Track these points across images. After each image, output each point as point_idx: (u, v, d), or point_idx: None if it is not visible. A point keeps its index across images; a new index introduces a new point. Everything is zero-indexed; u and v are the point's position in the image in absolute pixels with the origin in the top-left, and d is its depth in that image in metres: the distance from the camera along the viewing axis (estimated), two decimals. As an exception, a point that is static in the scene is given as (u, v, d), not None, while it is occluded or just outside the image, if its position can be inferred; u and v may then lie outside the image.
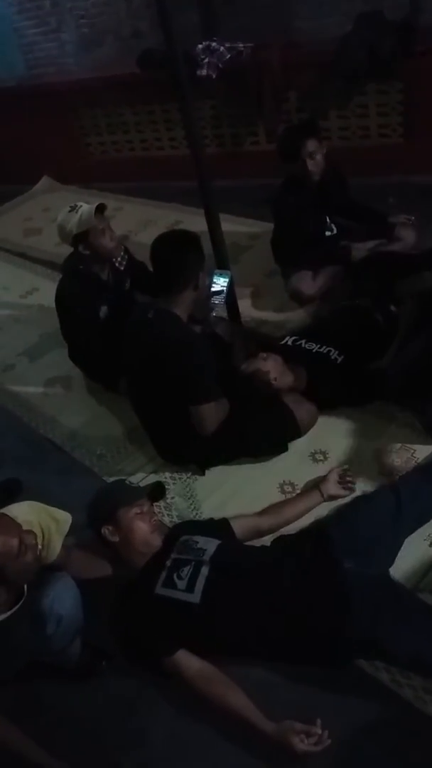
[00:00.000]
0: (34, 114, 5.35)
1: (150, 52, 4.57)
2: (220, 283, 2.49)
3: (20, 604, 1.65)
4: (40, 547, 1.66)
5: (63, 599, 1.70)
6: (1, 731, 1.62)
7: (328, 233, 3.25)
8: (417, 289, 2.64)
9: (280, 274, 3.34)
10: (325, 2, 4.08)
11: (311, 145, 2.99)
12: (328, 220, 3.24)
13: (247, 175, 4.29)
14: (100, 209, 2.66)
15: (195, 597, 1.74)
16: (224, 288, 2.51)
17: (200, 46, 4.32)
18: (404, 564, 1.90)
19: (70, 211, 2.65)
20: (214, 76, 4.29)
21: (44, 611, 1.66)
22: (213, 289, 2.48)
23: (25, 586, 1.68)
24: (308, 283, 3.16)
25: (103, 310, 2.78)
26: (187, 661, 1.71)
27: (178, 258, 2.21)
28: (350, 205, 3.28)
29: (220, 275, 2.50)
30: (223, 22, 4.55)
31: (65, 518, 1.76)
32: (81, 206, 2.65)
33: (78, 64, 5.38)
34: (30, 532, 1.63)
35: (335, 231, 3.26)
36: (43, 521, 1.69)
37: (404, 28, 3.69)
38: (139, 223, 4.44)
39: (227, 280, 2.51)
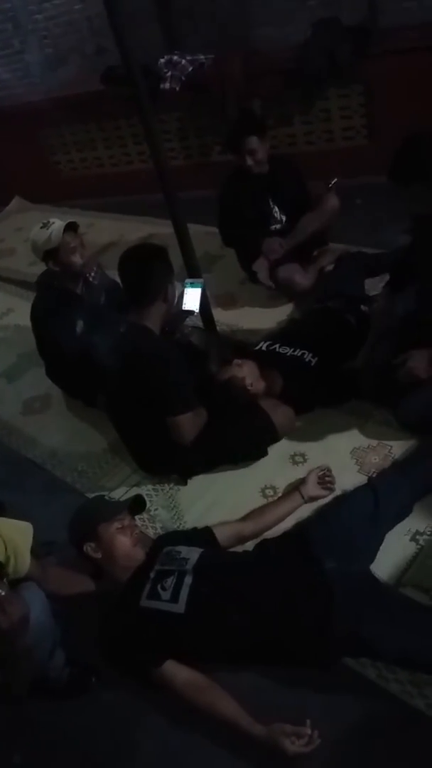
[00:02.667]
0: (2, 136, 5.37)
1: (113, 69, 4.59)
2: (192, 293, 2.50)
3: None
4: (3, 559, 1.65)
5: (29, 607, 1.69)
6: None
7: (275, 225, 3.27)
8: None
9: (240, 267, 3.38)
10: (283, 10, 4.13)
11: (251, 142, 3.03)
12: (276, 211, 3.26)
13: (216, 185, 4.31)
14: (72, 227, 2.68)
15: (180, 607, 1.74)
16: (197, 297, 2.52)
17: (162, 60, 4.37)
18: (386, 560, 1.91)
19: (42, 228, 2.68)
20: (177, 89, 4.33)
21: None
22: (185, 299, 2.49)
23: None
24: (301, 273, 3.17)
25: (79, 324, 2.79)
26: (176, 671, 1.71)
27: (146, 271, 2.23)
28: (299, 201, 3.27)
29: (192, 284, 2.51)
30: (184, 35, 4.60)
31: (27, 528, 1.75)
32: (53, 223, 2.67)
33: (43, 84, 5.39)
34: None
35: (286, 224, 3.27)
36: (5, 532, 1.69)
37: (361, 31, 3.75)
38: (111, 237, 4.46)
39: (200, 289, 2.52)
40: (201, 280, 2.58)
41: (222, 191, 3.31)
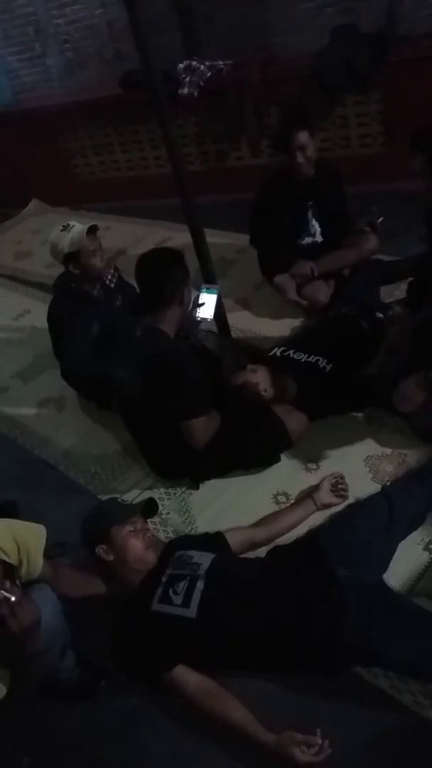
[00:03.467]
0: (22, 138, 5.43)
1: (132, 73, 4.63)
2: (208, 299, 2.50)
3: None
4: (16, 562, 1.66)
5: (40, 609, 1.69)
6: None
7: (308, 238, 3.21)
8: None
9: (259, 270, 3.34)
10: (301, 17, 4.14)
11: (302, 137, 2.93)
12: (313, 222, 3.18)
13: (232, 190, 4.33)
14: (92, 230, 2.69)
15: (191, 612, 1.74)
16: (213, 303, 2.52)
17: (181, 65, 4.39)
18: (399, 569, 1.90)
19: (62, 231, 2.70)
20: (195, 94, 4.35)
21: None
22: (200, 304, 2.49)
23: None
24: (326, 292, 3.11)
25: (95, 327, 2.80)
26: (186, 676, 1.71)
27: (162, 275, 2.24)
28: (338, 215, 3.19)
29: (208, 290, 2.51)
30: (203, 41, 4.62)
31: (40, 530, 1.76)
32: (73, 226, 2.69)
33: (63, 88, 5.45)
34: None
35: (320, 239, 3.21)
36: (18, 536, 1.69)
37: (380, 39, 3.75)
38: (127, 241, 4.48)
39: (215, 295, 2.53)
40: (217, 286, 2.59)
41: (261, 189, 3.22)
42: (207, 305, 2.48)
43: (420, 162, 2.21)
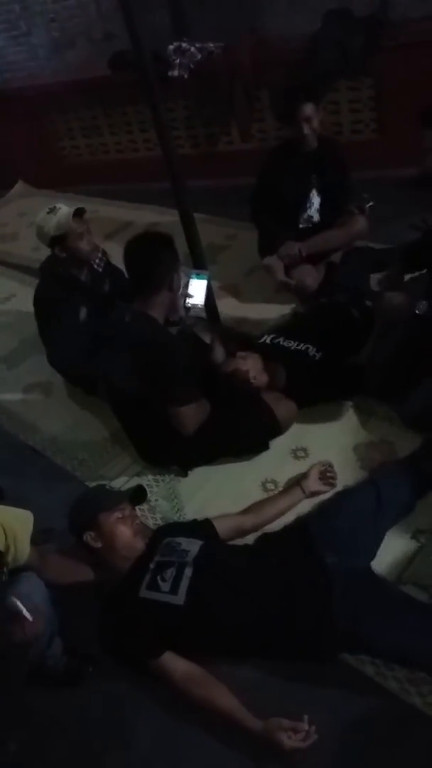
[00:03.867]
0: (7, 119, 5.33)
1: (121, 54, 4.56)
2: (198, 284, 2.48)
3: None
4: (3, 547, 1.65)
5: (29, 597, 1.68)
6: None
7: (305, 215, 3.17)
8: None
9: (258, 249, 3.30)
10: (293, 0, 4.09)
11: (308, 108, 2.90)
12: (312, 196, 3.15)
13: (222, 175, 4.30)
14: (79, 213, 2.65)
15: (179, 599, 1.74)
16: (203, 289, 2.49)
17: (171, 46, 4.33)
18: (387, 556, 1.91)
19: (48, 213, 2.66)
20: (185, 77, 4.30)
21: (9, 609, 1.64)
22: (190, 290, 2.46)
23: None
24: (314, 276, 3.09)
25: (83, 311, 2.78)
26: (174, 663, 1.71)
27: (152, 259, 2.21)
28: (338, 194, 3.15)
29: (198, 276, 2.49)
30: (193, 22, 4.55)
31: (27, 516, 1.75)
32: (60, 208, 2.65)
33: (50, 68, 5.35)
34: None
35: (316, 217, 3.18)
36: (5, 521, 1.68)
37: (373, 23, 3.72)
38: (116, 225, 4.43)
39: (205, 280, 2.50)
40: (206, 272, 2.56)
41: (263, 163, 3.19)
42: (197, 291, 2.45)
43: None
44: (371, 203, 3.09)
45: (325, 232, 3.13)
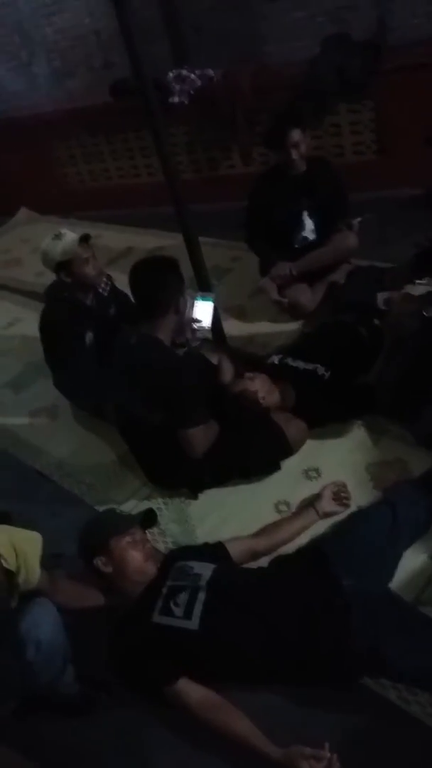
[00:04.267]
0: (10, 147, 5.40)
1: (122, 82, 4.62)
2: (204, 306, 2.48)
3: None
4: (14, 568, 1.62)
5: (41, 624, 1.66)
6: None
7: (300, 236, 3.21)
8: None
9: (258, 274, 3.33)
10: (292, 26, 4.15)
11: (295, 135, 2.98)
12: (305, 219, 3.19)
13: (224, 198, 4.32)
14: (85, 239, 2.67)
15: (193, 624, 1.70)
16: (209, 310, 2.49)
17: (171, 74, 4.38)
18: (404, 577, 1.88)
19: (54, 239, 2.67)
20: (186, 103, 4.35)
21: (21, 636, 1.62)
22: (196, 312, 2.46)
23: None
24: (307, 296, 3.13)
25: (89, 336, 2.78)
26: (189, 689, 1.67)
27: (158, 282, 2.21)
28: (334, 209, 3.18)
29: (203, 298, 2.49)
30: (193, 49, 4.63)
31: (36, 538, 1.73)
32: (65, 234, 2.66)
33: (51, 96, 5.43)
34: None
35: (312, 237, 3.21)
36: (16, 542, 1.66)
37: (371, 47, 3.77)
38: (119, 250, 4.45)
39: (211, 302, 2.50)
40: (212, 294, 2.56)
41: (253, 189, 3.24)
42: (203, 313, 2.45)
43: None
44: (359, 219, 3.13)
45: (314, 251, 3.17)
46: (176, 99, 4.36)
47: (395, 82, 3.71)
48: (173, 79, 4.39)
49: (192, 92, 4.36)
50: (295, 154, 3.01)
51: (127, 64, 4.54)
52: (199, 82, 4.36)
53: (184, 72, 4.40)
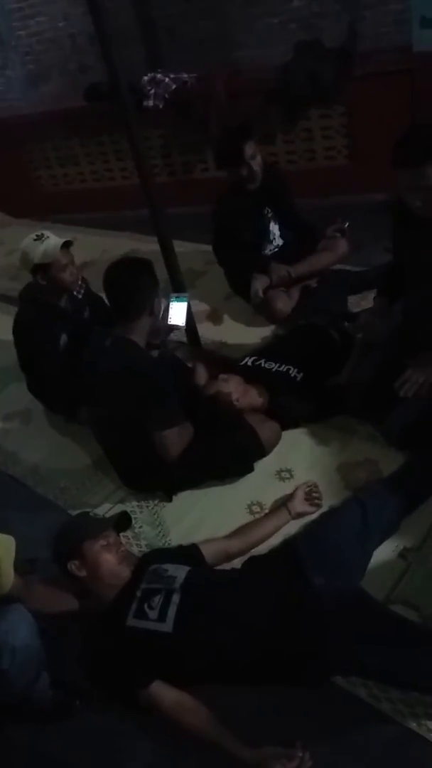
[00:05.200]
0: (-17, 150, 5.36)
1: (96, 85, 4.62)
2: (178, 307, 2.49)
3: None
4: None
5: (16, 630, 1.65)
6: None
7: (271, 245, 3.30)
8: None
9: (228, 285, 3.39)
10: (264, 32, 4.20)
11: (249, 148, 3.04)
12: (272, 229, 3.28)
13: (198, 201, 4.33)
14: (67, 245, 2.65)
15: (167, 626, 1.70)
16: (183, 311, 2.51)
17: (146, 77, 4.40)
18: (375, 576, 1.90)
19: (35, 240, 2.64)
20: (161, 107, 4.37)
21: None
22: (171, 313, 2.47)
23: None
24: (284, 300, 3.16)
25: (63, 338, 2.76)
26: (163, 692, 1.67)
27: (132, 284, 2.21)
28: (291, 215, 3.33)
29: (178, 299, 2.50)
30: (167, 54, 4.65)
31: (9, 541, 1.72)
32: (48, 237, 2.64)
33: (26, 100, 5.40)
34: None
35: (280, 242, 3.31)
36: None
37: (342, 54, 3.82)
38: (94, 253, 4.44)
39: (185, 302, 2.52)
40: (186, 294, 2.57)
41: (217, 211, 3.29)
42: (178, 313, 2.46)
43: (409, 176, 2.02)
44: (348, 223, 3.22)
45: (311, 256, 3.22)
46: (151, 103, 4.38)
47: (366, 88, 3.77)
48: (148, 82, 4.41)
49: (167, 96, 4.38)
50: (255, 166, 3.08)
51: (102, 68, 4.58)
52: (173, 86, 4.39)
53: (159, 76, 4.42)
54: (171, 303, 2.43)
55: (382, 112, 3.70)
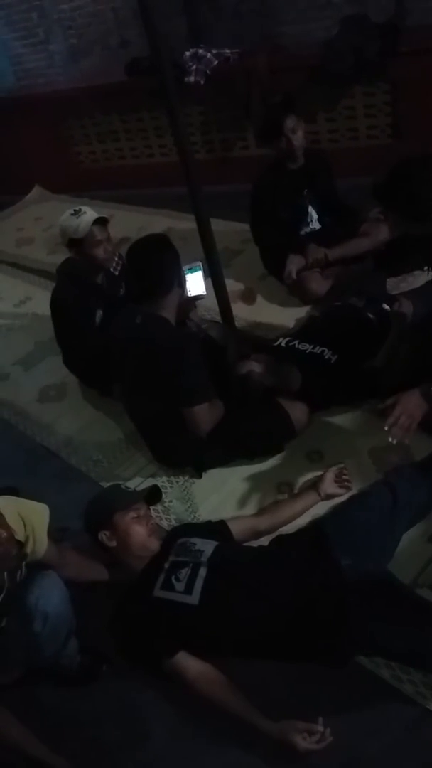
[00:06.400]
0: (25, 125, 5.40)
1: (138, 61, 4.61)
2: (194, 277, 2.53)
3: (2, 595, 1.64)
4: (23, 538, 1.66)
5: (49, 596, 1.70)
6: (3, 726, 1.62)
7: (307, 228, 3.26)
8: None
9: (263, 266, 3.38)
10: (309, 7, 4.11)
11: (291, 121, 3.00)
12: (310, 210, 3.25)
13: (237, 180, 4.30)
14: (101, 221, 2.67)
15: (193, 599, 1.74)
16: (200, 280, 2.55)
17: (187, 53, 4.36)
18: (403, 560, 1.90)
19: (72, 214, 2.67)
20: (202, 83, 4.33)
21: (30, 608, 1.66)
22: (188, 286, 2.49)
23: (6, 579, 1.66)
24: (319, 281, 3.14)
25: (99, 314, 2.80)
26: (187, 662, 1.71)
27: (157, 261, 2.23)
28: (332, 199, 3.28)
29: (191, 270, 2.54)
30: (209, 29, 4.59)
31: (43, 509, 1.76)
32: (85, 213, 2.66)
33: (66, 75, 5.41)
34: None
35: (317, 226, 3.27)
36: (23, 512, 1.69)
37: (389, 29, 3.72)
38: (131, 230, 4.45)
39: (200, 271, 2.56)
40: (199, 264, 2.60)
41: (256, 188, 3.27)
42: (196, 283, 2.50)
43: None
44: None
45: (351, 241, 3.15)
46: (192, 78, 4.34)
47: (412, 64, 3.67)
48: (189, 58, 4.37)
49: (208, 72, 4.33)
50: (295, 140, 3.03)
51: (143, 43, 4.56)
52: (215, 62, 4.34)
53: (201, 51, 4.37)
54: (186, 275, 2.45)
55: (427, 89, 3.60)
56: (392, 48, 3.69)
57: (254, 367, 2.43)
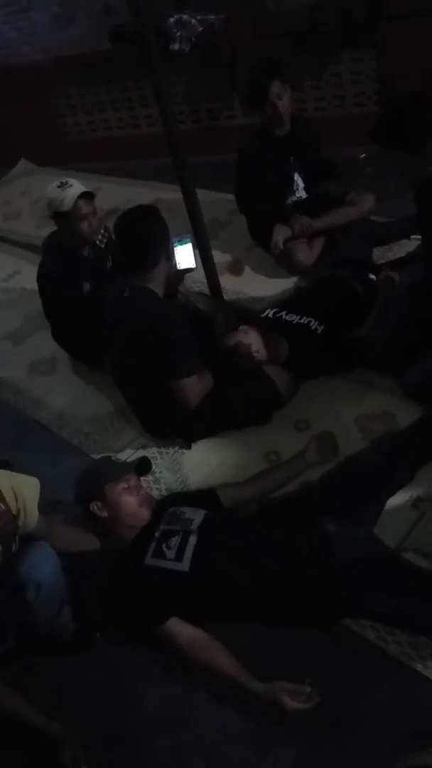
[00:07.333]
0: (8, 96, 5.29)
1: (121, 27, 4.50)
2: (183, 250, 2.52)
3: None
4: (15, 511, 1.69)
5: (41, 566, 1.73)
6: (1, 695, 1.66)
7: (293, 197, 3.25)
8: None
9: (250, 236, 3.37)
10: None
11: (276, 86, 2.97)
12: (296, 178, 3.23)
13: (224, 150, 4.26)
14: (86, 196, 2.64)
15: (184, 566, 1.77)
16: (190, 253, 2.54)
17: (172, 19, 4.26)
18: (387, 525, 1.93)
19: (58, 186, 2.65)
20: (187, 50, 4.25)
21: (22, 578, 1.70)
22: (177, 259, 2.49)
23: (0, 551, 1.69)
24: (305, 252, 3.14)
25: (86, 286, 2.79)
26: (179, 628, 1.75)
27: (144, 233, 2.23)
28: (318, 164, 3.26)
29: (180, 242, 2.53)
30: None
31: (34, 482, 1.80)
32: (71, 186, 2.63)
33: (49, 43, 5.29)
34: None
35: (303, 195, 3.26)
36: (15, 486, 1.72)
37: (377, -8, 3.66)
38: (118, 201, 4.41)
39: (189, 244, 2.55)
40: (188, 236, 2.59)
41: (241, 155, 3.25)
42: (185, 256, 2.49)
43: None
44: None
45: (335, 210, 3.15)
46: (177, 46, 4.25)
47: (399, 29, 3.61)
48: (174, 24, 4.28)
49: (193, 39, 4.25)
50: (281, 106, 3.00)
51: (127, 9, 4.44)
52: (200, 28, 4.25)
53: (185, 17, 4.28)
54: (175, 247, 2.44)
55: (415, 55, 3.55)
56: (380, 11, 3.63)
57: (242, 338, 2.44)
